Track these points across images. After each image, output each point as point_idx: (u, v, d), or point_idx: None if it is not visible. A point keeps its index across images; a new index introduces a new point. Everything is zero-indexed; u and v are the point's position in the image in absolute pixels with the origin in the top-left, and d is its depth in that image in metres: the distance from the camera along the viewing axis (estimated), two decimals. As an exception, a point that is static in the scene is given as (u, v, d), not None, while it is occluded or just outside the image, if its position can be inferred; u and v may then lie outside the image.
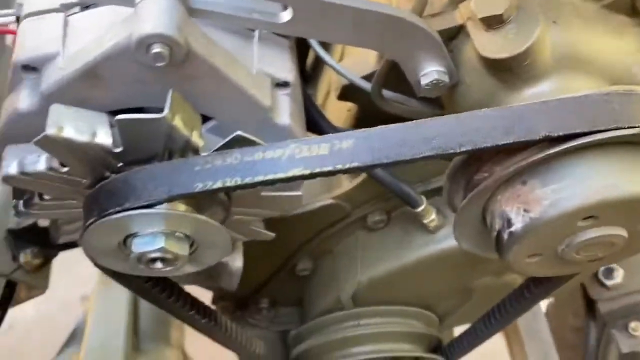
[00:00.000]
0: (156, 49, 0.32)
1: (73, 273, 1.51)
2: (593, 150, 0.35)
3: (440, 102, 0.49)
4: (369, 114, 0.55)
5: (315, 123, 0.57)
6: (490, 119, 0.34)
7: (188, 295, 0.52)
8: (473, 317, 0.66)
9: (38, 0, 0.39)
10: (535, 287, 0.56)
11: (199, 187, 0.35)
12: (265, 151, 0.35)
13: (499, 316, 0.62)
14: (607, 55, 0.42)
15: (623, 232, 0.38)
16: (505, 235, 0.38)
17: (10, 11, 0.46)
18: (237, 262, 0.53)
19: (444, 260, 0.63)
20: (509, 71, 0.41)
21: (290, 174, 0.34)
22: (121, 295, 0.86)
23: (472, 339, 0.67)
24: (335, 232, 0.68)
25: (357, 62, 0.54)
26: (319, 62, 0.71)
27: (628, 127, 0.34)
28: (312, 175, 0.35)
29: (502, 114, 0.35)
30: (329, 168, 0.34)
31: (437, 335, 0.74)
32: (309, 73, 0.75)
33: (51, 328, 1.47)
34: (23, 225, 0.64)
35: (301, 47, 0.52)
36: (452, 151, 0.34)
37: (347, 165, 0.34)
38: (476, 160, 0.39)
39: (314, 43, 0.53)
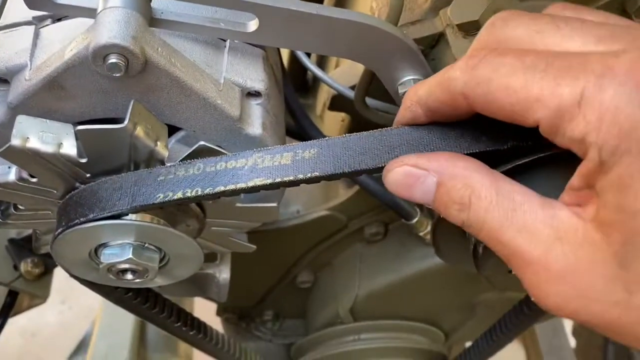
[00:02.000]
0: (112, 59, 0.32)
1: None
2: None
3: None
4: (361, 124, 0.54)
5: (307, 133, 0.56)
6: (458, 128, 0.33)
7: (173, 305, 0.51)
8: (480, 333, 0.64)
9: (14, 13, 0.39)
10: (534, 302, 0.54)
11: (159, 197, 0.34)
12: (227, 161, 0.34)
13: (500, 333, 0.60)
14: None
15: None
16: (480, 250, 0.37)
17: None
18: (224, 273, 0.53)
19: (442, 273, 0.62)
20: (489, 79, 0.39)
21: (251, 184, 0.34)
22: (128, 305, 0.87)
23: (476, 355, 0.65)
24: (333, 244, 0.67)
25: (347, 71, 0.53)
26: (319, 73, 0.71)
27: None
28: (273, 186, 0.34)
29: (470, 124, 0.33)
30: (291, 178, 0.33)
31: (443, 352, 0.72)
32: (310, 85, 0.75)
33: (74, 335, 1.50)
34: (24, 235, 0.65)
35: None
36: (415, 161, 0.32)
37: (309, 175, 0.33)
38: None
39: (299, 52, 0.53)
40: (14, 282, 0.64)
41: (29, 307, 0.69)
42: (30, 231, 0.65)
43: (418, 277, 0.63)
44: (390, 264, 0.64)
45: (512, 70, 0.27)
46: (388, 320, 0.68)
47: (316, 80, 0.74)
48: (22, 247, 0.65)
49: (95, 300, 1.63)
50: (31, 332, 1.57)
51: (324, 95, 0.69)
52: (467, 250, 0.39)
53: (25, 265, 0.65)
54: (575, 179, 0.27)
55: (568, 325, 1.20)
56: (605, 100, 0.24)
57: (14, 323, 0.70)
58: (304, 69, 0.74)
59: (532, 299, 0.28)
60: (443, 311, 0.69)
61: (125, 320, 0.84)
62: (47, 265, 0.66)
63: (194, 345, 0.56)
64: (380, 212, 0.63)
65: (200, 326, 0.54)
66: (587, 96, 0.24)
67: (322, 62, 0.68)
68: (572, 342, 1.19)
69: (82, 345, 0.86)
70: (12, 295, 0.66)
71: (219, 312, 0.83)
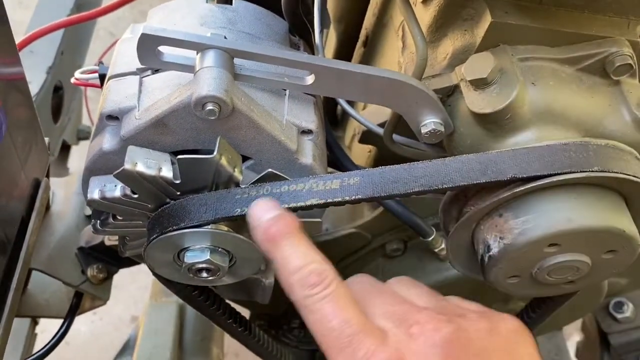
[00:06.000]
0: (209, 106, 0.42)
1: (125, 295, 1.64)
2: (554, 190, 0.43)
3: (442, 145, 0.58)
4: (386, 155, 0.64)
5: (340, 162, 0.66)
6: (468, 162, 0.43)
7: (227, 305, 0.61)
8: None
9: (121, 65, 0.50)
10: (532, 311, 0.63)
11: (237, 212, 0.44)
12: (289, 185, 0.44)
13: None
14: (580, 110, 0.50)
15: (585, 259, 0.46)
16: (486, 259, 0.46)
17: (94, 67, 0.58)
18: (269, 278, 0.62)
19: (453, 285, 0.71)
20: (494, 123, 0.49)
21: (308, 203, 0.44)
22: (169, 311, 0.96)
23: None
24: (359, 259, 0.76)
25: (375, 111, 0.63)
26: (347, 109, 0.81)
27: (580, 172, 0.42)
28: (325, 205, 0.44)
29: (478, 159, 0.43)
30: (339, 199, 0.43)
31: None
32: (339, 119, 0.85)
33: (104, 343, 1.60)
34: (91, 244, 0.76)
35: (333, 98, 0.62)
36: (435, 187, 0.42)
37: (353, 197, 0.43)
38: (463, 195, 0.48)
39: (338, 96, 0.63)
40: (81, 285, 0.74)
41: (91, 308, 0.79)
42: (97, 241, 0.76)
43: (432, 288, 0.72)
44: (408, 276, 0.73)
45: None
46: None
47: (344, 114, 0.85)
48: (89, 254, 0.75)
49: (123, 312, 1.73)
50: (65, 341, 1.66)
51: (352, 129, 0.80)
52: (475, 260, 0.49)
53: (92, 271, 0.75)
54: None
55: (572, 346, 1.27)
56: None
57: (50, 332, 0.79)
58: (335, 106, 0.84)
59: None
60: (453, 320, 0.78)
61: (166, 326, 0.94)
62: (109, 271, 0.76)
63: (239, 340, 0.66)
64: (400, 231, 0.73)
65: (246, 324, 0.63)
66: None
67: (351, 101, 0.78)
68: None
69: (126, 347, 0.96)
70: (78, 296, 0.76)
71: (252, 320, 0.92)
